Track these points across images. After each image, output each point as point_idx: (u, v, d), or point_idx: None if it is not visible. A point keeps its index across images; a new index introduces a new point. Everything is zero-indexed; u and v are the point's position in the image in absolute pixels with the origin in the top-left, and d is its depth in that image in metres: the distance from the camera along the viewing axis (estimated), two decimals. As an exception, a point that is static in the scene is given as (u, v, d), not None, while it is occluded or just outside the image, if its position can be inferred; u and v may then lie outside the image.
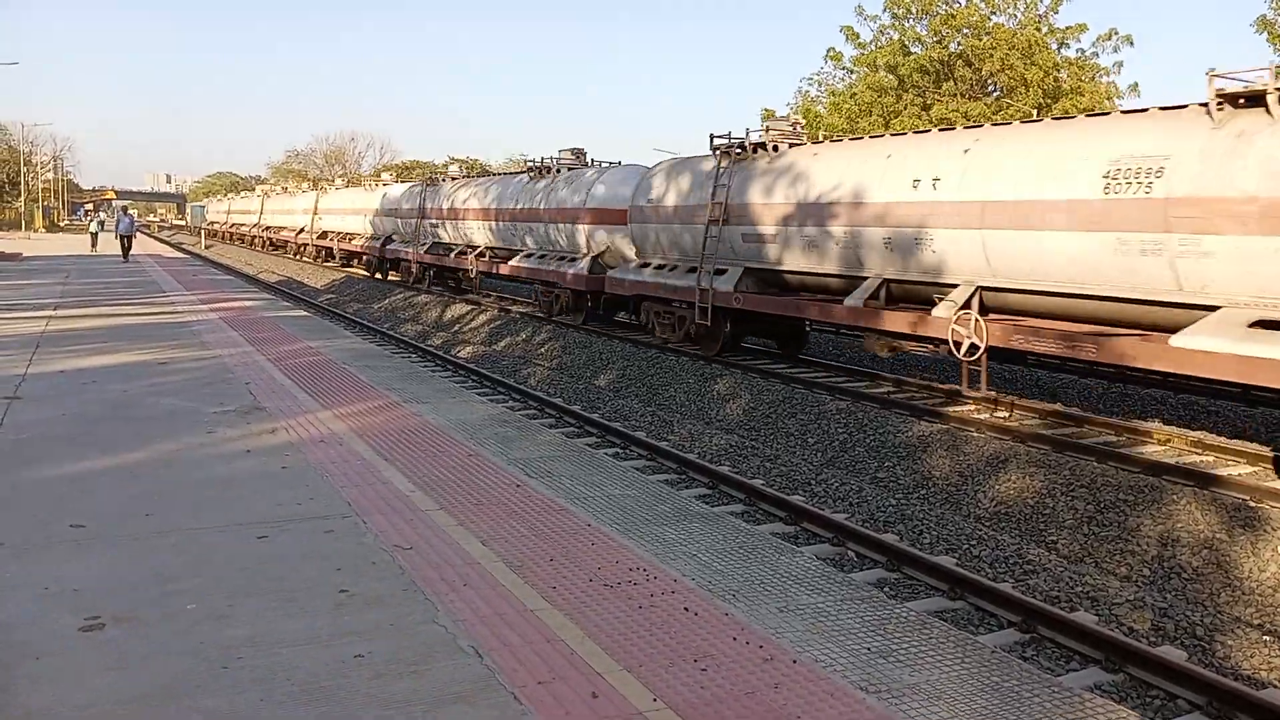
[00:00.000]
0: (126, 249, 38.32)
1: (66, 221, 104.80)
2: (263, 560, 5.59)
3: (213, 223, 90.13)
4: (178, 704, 3.95)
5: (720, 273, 17.02)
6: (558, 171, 24.26)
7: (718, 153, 17.52)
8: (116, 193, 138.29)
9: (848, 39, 38.74)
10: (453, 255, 30.10)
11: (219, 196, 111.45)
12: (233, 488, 7.02)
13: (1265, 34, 29.61)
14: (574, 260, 22.21)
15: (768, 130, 17.21)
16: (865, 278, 14.35)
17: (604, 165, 23.71)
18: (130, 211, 43.44)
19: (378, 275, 37.82)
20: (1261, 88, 9.71)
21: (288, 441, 8.46)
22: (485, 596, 5.14)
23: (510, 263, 25.45)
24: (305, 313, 23.21)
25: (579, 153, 25.18)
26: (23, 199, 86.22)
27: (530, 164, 25.76)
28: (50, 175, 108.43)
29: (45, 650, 4.40)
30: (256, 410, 9.75)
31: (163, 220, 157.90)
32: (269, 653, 4.42)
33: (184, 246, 72.53)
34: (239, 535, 6.02)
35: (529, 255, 24.70)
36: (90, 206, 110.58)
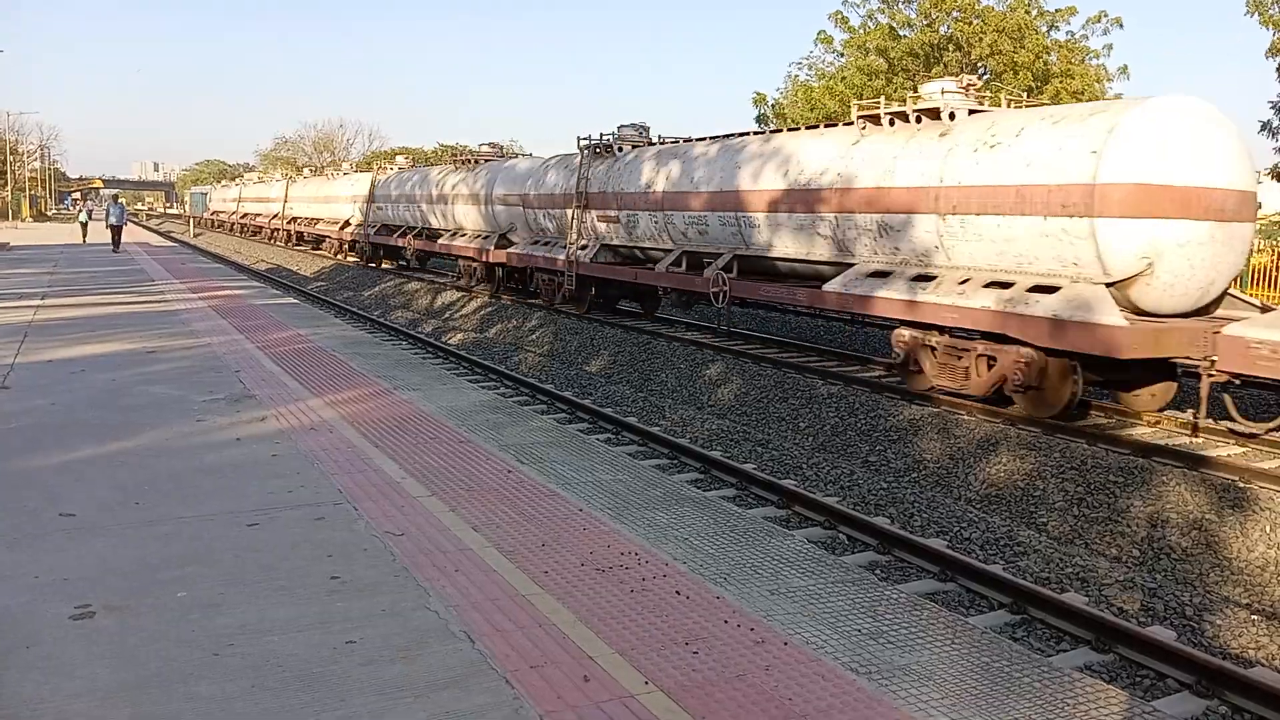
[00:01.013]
0: (117, 239, 36.75)
1: (54, 210, 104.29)
2: (253, 548, 5.58)
3: (218, 213, 79.15)
4: (169, 692, 3.95)
5: None
6: (951, 117, 13.02)
7: None
8: (104, 181, 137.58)
9: (837, 24, 38.66)
10: (661, 264, 18.76)
11: (224, 182, 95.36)
12: (223, 476, 7.01)
13: (1257, 15, 29.58)
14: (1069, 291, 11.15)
15: None
16: None
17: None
18: (120, 200, 41.30)
19: (478, 288, 26.61)
20: None
21: (278, 429, 8.43)
22: (477, 582, 5.14)
23: (868, 291, 13.44)
24: (295, 300, 23.13)
25: (968, 85, 13.72)
26: (9, 188, 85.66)
27: (863, 112, 14.40)
28: (37, 164, 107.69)
29: (36, 639, 4.39)
30: (246, 398, 9.72)
31: (150, 209, 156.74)
32: (260, 640, 4.41)
33: (173, 235, 72.20)
34: (229, 523, 6.00)
35: (888, 275, 13.37)
36: (77, 195, 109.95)
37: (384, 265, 37.74)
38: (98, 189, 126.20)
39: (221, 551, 5.52)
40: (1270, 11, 28.86)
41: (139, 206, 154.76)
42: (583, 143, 21.68)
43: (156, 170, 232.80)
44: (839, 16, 38.46)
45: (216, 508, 6.30)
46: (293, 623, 4.60)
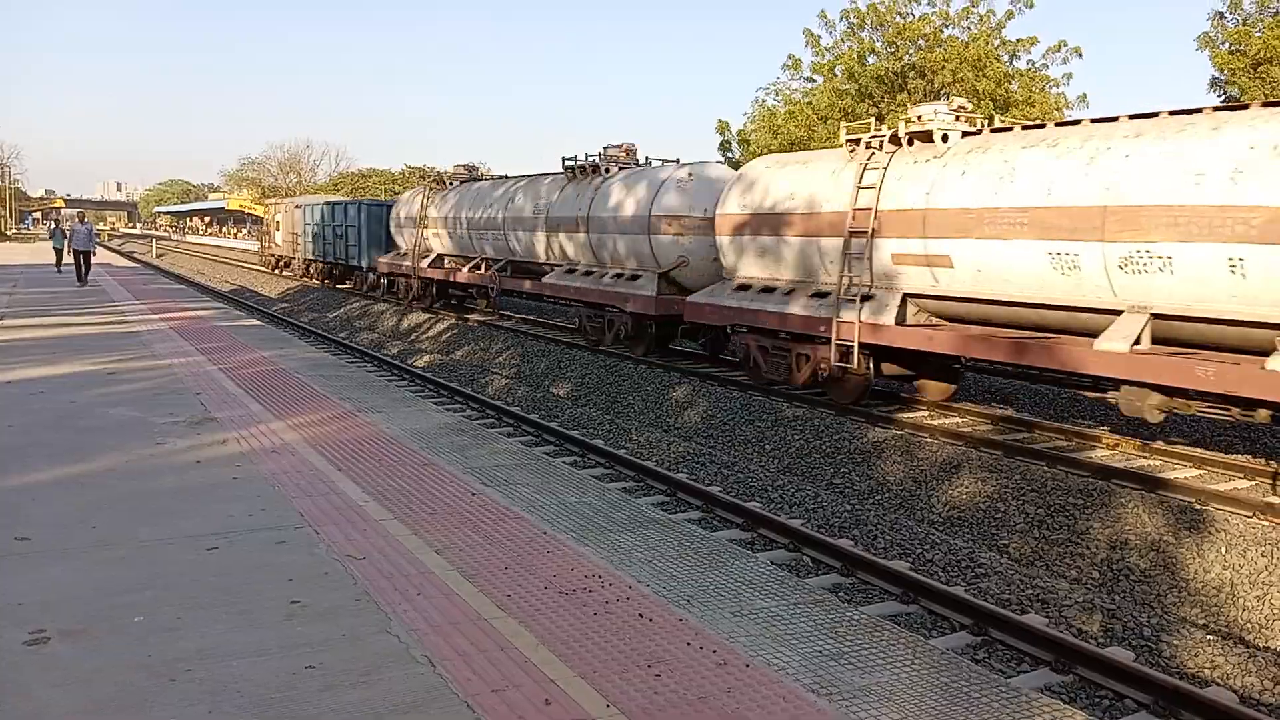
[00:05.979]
0: (84, 269, 28.77)
1: (14, 230, 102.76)
2: (213, 572, 5.52)
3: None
4: (125, 718, 3.89)
5: None
6: None
7: None
8: (66, 200, 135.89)
9: (807, 43, 39.12)
10: (1107, 340, 10.33)
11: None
12: (183, 499, 6.93)
13: (1208, 50, 30.62)
14: None
15: None
16: None
17: None
18: (87, 221, 31.96)
19: (613, 345, 19.60)
20: None
21: (239, 452, 8.36)
22: (439, 606, 5.11)
23: None
24: (259, 322, 22.93)
25: None
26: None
27: None
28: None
29: (-13, 665, 4.31)
30: (207, 421, 9.62)
31: (113, 229, 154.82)
32: (218, 665, 4.36)
33: (135, 256, 71.35)
34: (188, 547, 5.93)
35: None
36: (39, 215, 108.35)
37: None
38: (60, 208, 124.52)
39: (180, 575, 5.45)
40: (1220, 47, 29.94)
41: (101, 226, 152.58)
42: (866, 132, 13.79)
43: (119, 190, 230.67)
44: (810, 35, 38.94)
45: (176, 531, 6.23)
46: (252, 647, 4.55)
